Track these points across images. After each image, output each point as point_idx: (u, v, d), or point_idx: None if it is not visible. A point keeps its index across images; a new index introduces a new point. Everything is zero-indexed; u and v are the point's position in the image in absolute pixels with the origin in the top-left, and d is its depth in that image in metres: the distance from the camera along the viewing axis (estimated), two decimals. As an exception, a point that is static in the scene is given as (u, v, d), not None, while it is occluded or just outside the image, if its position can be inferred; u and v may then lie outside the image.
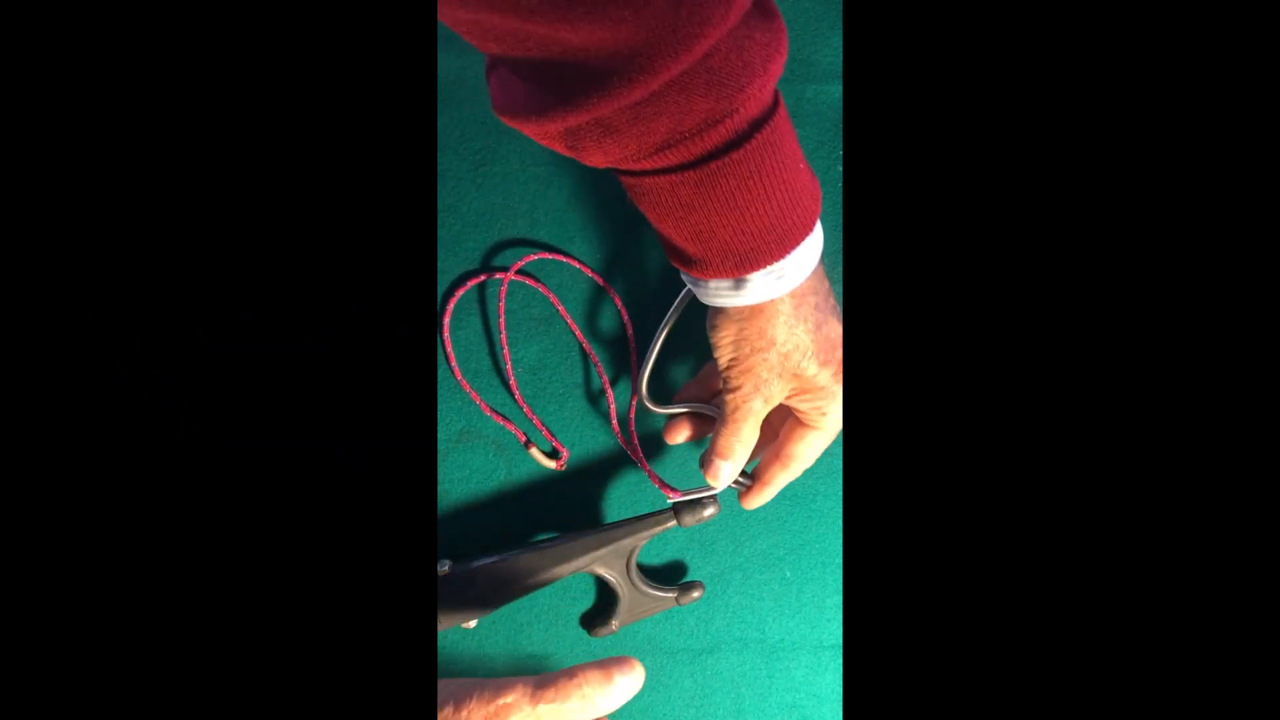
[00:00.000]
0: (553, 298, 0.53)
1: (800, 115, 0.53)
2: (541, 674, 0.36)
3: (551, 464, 0.54)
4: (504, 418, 0.53)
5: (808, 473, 0.49)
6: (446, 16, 0.34)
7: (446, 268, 0.53)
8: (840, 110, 0.54)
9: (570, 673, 0.36)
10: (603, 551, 0.50)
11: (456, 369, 0.53)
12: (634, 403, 0.54)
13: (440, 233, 0.53)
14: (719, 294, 0.42)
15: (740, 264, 0.39)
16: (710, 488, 0.49)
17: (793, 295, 0.42)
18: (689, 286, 0.45)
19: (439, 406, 0.53)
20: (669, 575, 0.56)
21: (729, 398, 0.45)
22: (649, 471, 0.51)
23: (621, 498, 0.55)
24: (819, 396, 0.45)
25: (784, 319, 0.42)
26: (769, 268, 0.40)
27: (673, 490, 0.51)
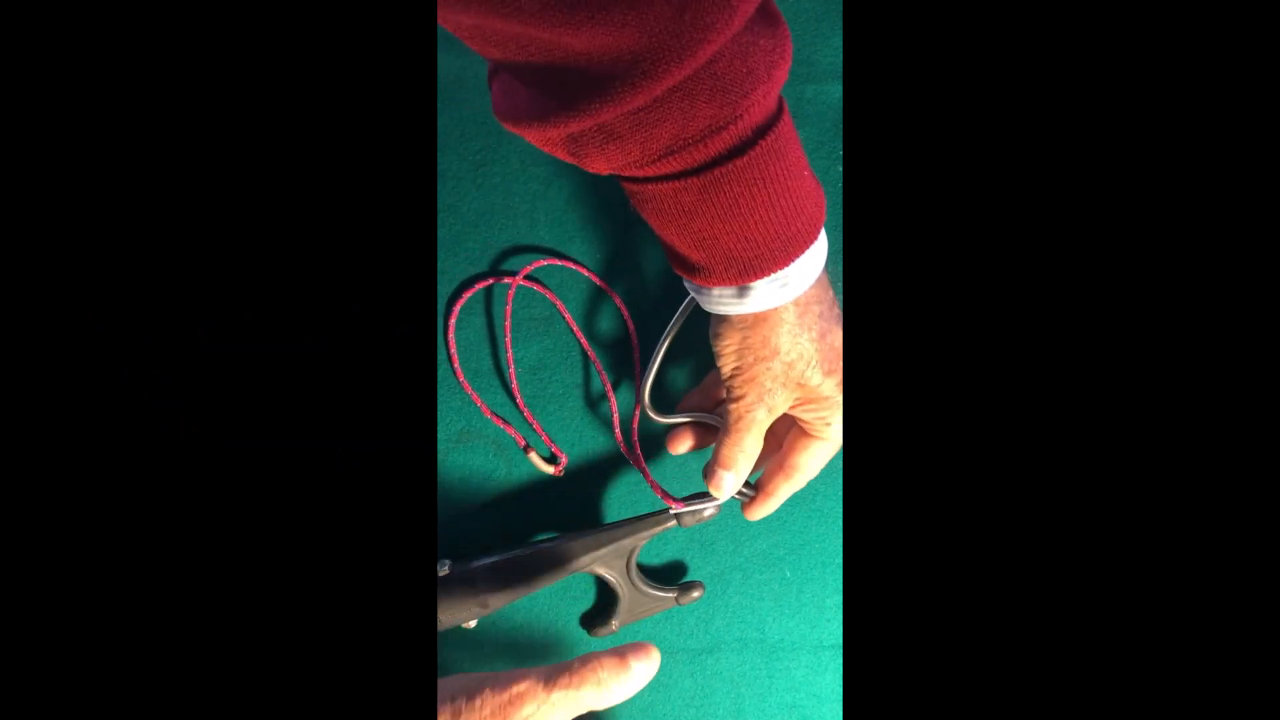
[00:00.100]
0: (555, 300, 0.53)
1: (800, 115, 0.53)
2: (554, 663, 0.36)
3: (550, 469, 0.53)
4: (504, 421, 0.53)
5: (808, 472, 0.49)
6: (449, 21, 0.33)
7: (447, 268, 0.53)
8: (840, 110, 0.54)
9: (585, 659, 0.36)
10: (603, 551, 0.50)
11: (459, 371, 0.53)
12: (637, 412, 0.53)
13: (440, 233, 0.53)
14: (722, 302, 0.41)
15: (744, 272, 0.39)
16: (713, 497, 0.48)
17: (797, 303, 0.41)
18: (692, 294, 0.44)
19: (439, 406, 0.53)
20: (669, 575, 0.56)
21: (732, 407, 0.44)
22: (652, 482, 0.51)
23: (621, 498, 0.55)
24: (823, 406, 0.44)
25: (788, 327, 0.42)
26: (773, 275, 0.39)
27: (675, 500, 0.50)
